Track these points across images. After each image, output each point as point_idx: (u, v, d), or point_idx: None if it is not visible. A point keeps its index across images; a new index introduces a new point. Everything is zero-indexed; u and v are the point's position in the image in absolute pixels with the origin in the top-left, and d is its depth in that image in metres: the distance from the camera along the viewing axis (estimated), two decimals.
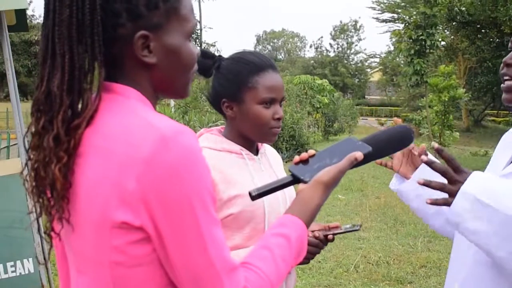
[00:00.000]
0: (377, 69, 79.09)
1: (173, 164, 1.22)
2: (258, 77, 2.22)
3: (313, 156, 1.66)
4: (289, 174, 1.64)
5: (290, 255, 1.47)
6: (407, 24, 13.57)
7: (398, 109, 51.30)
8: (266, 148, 2.48)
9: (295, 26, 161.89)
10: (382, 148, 1.74)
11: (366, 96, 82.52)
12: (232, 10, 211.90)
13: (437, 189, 1.76)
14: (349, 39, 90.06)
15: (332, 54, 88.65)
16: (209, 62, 2.28)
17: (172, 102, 20.06)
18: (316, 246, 2.16)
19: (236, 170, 2.23)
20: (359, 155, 1.59)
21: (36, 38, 34.45)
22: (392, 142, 1.77)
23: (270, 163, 2.40)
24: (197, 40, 22.27)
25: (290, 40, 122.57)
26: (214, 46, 23.53)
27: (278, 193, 2.20)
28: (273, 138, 2.30)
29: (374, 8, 47.54)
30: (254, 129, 2.26)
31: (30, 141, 1.36)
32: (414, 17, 12.85)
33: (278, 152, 11.56)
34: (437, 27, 12.76)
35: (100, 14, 1.30)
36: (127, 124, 1.28)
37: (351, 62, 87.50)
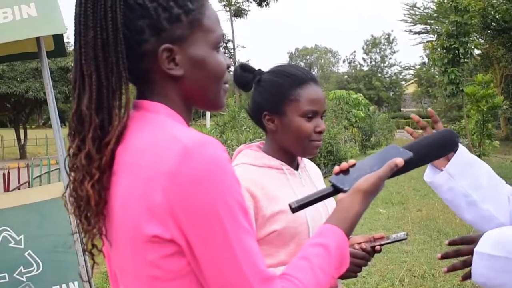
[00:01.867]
0: (411, 81, 78.51)
1: (197, 174, 1.22)
2: (300, 89, 2.21)
3: (353, 165, 1.63)
4: (330, 185, 1.62)
5: (329, 265, 1.44)
6: (439, 34, 13.46)
7: None
8: (306, 163, 2.46)
9: (328, 42, 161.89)
10: (424, 153, 1.71)
11: (401, 109, 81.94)
12: (264, 29, 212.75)
13: (454, 257, 1.80)
14: (382, 52, 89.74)
15: (365, 68, 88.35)
16: (249, 76, 2.29)
17: (208, 122, 20.20)
18: (363, 258, 2.11)
19: (277, 186, 2.21)
20: (399, 161, 1.57)
21: (72, 65, 34.91)
22: (435, 147, 1.75)
23: (311, 178, 2.38)
24: (231, 59, 22.42)
25: (323, 55, 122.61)
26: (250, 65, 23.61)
27: (320, 207, 2.20)
28: (315, 151, 2.28)
29: (406, 21, 47.35)
30: (295, 142, 2.24)
31: (69, 162, 1.39)
32: (446, 26, 12.73)
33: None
34: (470, 35, 12.64)
35: (123, 32, 1.33)
36: (154, 139, 1.31)
37: (385, 75, 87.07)
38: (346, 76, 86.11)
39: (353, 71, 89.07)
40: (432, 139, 1.75)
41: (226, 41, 21.95)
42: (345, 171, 1.63)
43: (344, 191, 1.56)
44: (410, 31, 46.49)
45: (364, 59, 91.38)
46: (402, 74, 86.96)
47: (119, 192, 1.32)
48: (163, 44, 1.37)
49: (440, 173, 2.19)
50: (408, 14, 46.87)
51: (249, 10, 22.02)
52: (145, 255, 1.28)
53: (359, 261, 2.12)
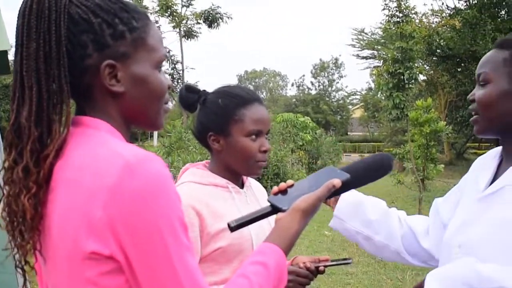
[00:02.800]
0: (358, 105, 79.70)
1: (138, 191, 1.22)
2: (244, 109, 2.25)
3: (291, 186, 1.69)
4: (269, 204, 1.66)
5: (268, 283, 1.46)
6: (385, 59, 13.76)
7: (380, 144, 51.55)
8: (251, 182, 2.48)
9: (277, 66, 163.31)
10: (361, 175, 1.77)
11: (348, 133, 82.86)
12: (215, 51, 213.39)
13: None
14: (330, 77, 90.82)
15: (313, 92, 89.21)
16: (194, 96, 2.32)
17: (155, 142, 20.07)
18: (306, 277, 2.18)
19: (222, 204, 2.23)
20: (337, 182, 1.63)
21: None
22: (371, 170, 1.81)
23: (256, 196, 2.42)
24: (180, 80, 22.38)
25: (272, 79, 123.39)
26: (196, 86, 23.56)
27: (264, 224, 2.20)
28: (259, 171, 2.32)
29: (354, 46, 48.08)
30: (241, 161, 2.28)
31: (4, 176, 1.36)
32: (391, 51, 13.01)
33: None
34: (415, 61, 12.93)
35: (66, 46, 1.33)
36: (95, 155, 1.30)
37: (333, 100, 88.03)
38: (294, 100, 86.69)
39: (301, 94, 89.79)
40: (368, 162, 1.82)
41: (175, 62, 21.87)
42: (284, 191, 1.68)
43: (283, 211, 1.60)
44: (358, 55, 47.24)
45: (312, 83, 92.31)
46: (349, 98, 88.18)
47: (58, 208, 1.30)
48: (105, 60, 1.37)
49: (332, 220, 2.41)
50: (356, 39, 47.63)
51: (200, 33, 22.09)
52: (83, 272, 1.26)
53: (302, 280, 2.18)
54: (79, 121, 1.41)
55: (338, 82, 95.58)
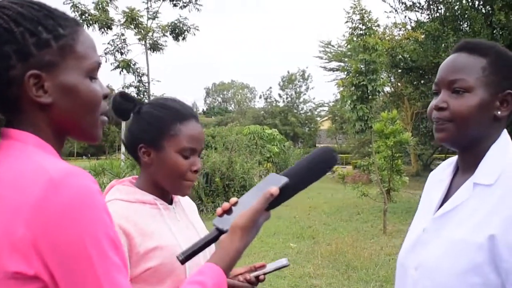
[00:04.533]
0: (326, 117, 79.94)
1: (63, 207, 1.17)
2: (181, 125, 2.17)
3: (236, 203, 1.63)
4: (214, 228, 1.61)
5: None
6: (348, 71, 13.83)
7: (348, 156, 51.82)
8: (180, 197, 2.39)
9: (244, 78, 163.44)
10: (305, 175, 1.67)
11: (317, 144, 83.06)
12: (182, 63, 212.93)
13: None
14: (298, 89, 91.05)
15: (281, 104, 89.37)
16: (129, 105, 2.20)
17: (122, 155, 19.86)
18: None
19: (151, 221, 2.14)
20: (274, 190, 1.56)
21: None
22: (314, 167, 1.70)
23: (185, 212, 2.34)
24: (145, 93, 22.17)
25: (240, 91, 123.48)
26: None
27: (192, 236, 2.17)
28: (187, 191, 2.23)
29: (321, 58, 48.41)
30: (169, 178, 2.19)
31: None
32: (355, 63, 13.07)
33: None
34: (378, 73, 12.99)
35: None
36: (19, 169, 1.25)
37: (301, 112, 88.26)
38: (262, 112, 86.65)
39: (269, 106, 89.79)
40: (309, 160, 1.70)
41: (141, 75, 21.69)
42: (228, 211, 1.62)
43: (225, 232, 1.56)
44: (325, 68, 47.54)
45: (280, 95, 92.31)
46: (317, 110, 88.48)
47: None
48: (30, 70, 1.31)
49: None
50: (323, 51, 47.98)
51: (165, 46, 21.95)
52: None
53: None
54: (6, 134, 1.35)
55: (305, 94, 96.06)
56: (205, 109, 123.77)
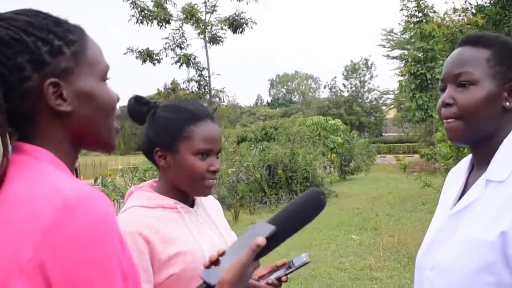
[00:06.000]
0: (392, 106, 79.04)
1: (75, 234, 1.14)
2: (194, 126, 2.14)
3: (223, 254, 1.59)
4: (202, 281, 1.57)
5: None
6: (406, 60, 13.58)
7: (415, 145, 51.10)
8: (202, 198, 2.35)
9: (308, 68, 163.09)
10: (293, 221, 1.64)
11: (383, 134, 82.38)
12: (243, 57, 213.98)
13: None
14: (362, 78, 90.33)
15: (346, 94, 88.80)
16: (144, 108, 2.19)
17: None
18: None
19: (173, 227, 2.13)
20: (261, 240, 1.53)
21: None
22: (302, 212, 1.65)
23: (208, 213, 2.30)
24: (206, 87, 22.42)
25: (304, 81, 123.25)
26: (223, 92, 23.65)
27: (214, 238, 2.17)
28: (208, 192, 2.21)
29: (384, 46, 47.83)
30: (187, 181, 2.16)
31: None
32: (412, 52, 12.83)
33: (293, 195, 11.46)
34: (437, 60, 12.71)
35: (1, 71, 1.24)
36: (33, 189, 1.21)
37: (366, 101, 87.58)
38: (327, 102, 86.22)
39: (334, 96, 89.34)
40: (297, 203, 1.67)
41: (201, 69, 21.96)
42: (216, 262, 1.58)
43: (213, 287, 1.52)
44: (388, 56, 46.96)
45: (344, 85, 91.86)
46: (382, 99, 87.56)
47: None
48: (47, 79, 1.28)
49: None
50: (385, 39, 47.40)
51: (225, 38, 22.21)
52: None
53: None
54: (20, 148, 1.31)
55: (369, 83, 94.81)
56: (269, 101, 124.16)
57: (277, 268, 2.06)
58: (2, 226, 1.19)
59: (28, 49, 1.27)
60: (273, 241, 1.57)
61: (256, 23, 21.86)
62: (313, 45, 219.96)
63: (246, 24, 21.76)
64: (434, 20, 13.30)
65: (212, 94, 22.94)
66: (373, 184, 21.40)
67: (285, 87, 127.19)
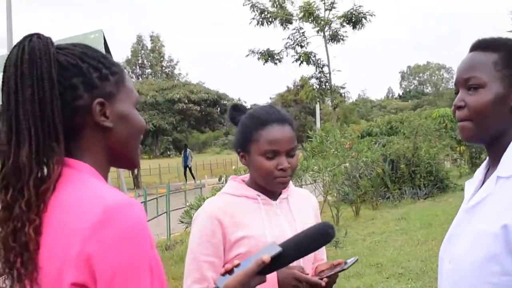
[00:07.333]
0: None
1: (116, 234, 1.39)
2: (261, 131, 2.44)
3: (238, 265, 1.85)
4: (215, 286, 1.84)
5: None
6: None
7: None
8: (294, 193, 2.66)
9: (441, 58, 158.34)
10: (300, 248, 1.91)
11: None
12: (373, 49, 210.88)
13: None
14: None
15: None
16: (237, 114, 2.60)
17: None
18: (315, 286, 2.28)
19: (248, 214, 2.47)
20: (266, 257, 1.80)
21: (178, 96, 36.28)
22: (310, 242, 1.93)
23: (291, 208, 2.58)
24: (327, 83, 22.53)
25: (436, 72, 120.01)
26: (343, 88, 23.63)
27: (287, 230, 2.45)
28: (281, 186, 2.51)
29: None
30: (260, 178, 2.48)
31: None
32: None
33: (417, 189, 11.24)
34: None
35: (58, 90, 1.50)
36: (79, 196, 1.46)
37: None
38: None
39: None
40: (307, 233, 1.95)
41: (321, 66, 22.15)
42: (230, 271, 1.84)
43: None
44: None
45: None
46: None
47: (44, 242, 1.45)
48: (96, 99, 1.55)
49: None
50: None
51: (346, 36, 22.27)
52: None
53: None
54: (67, 163, 1.53)
55: None
56: (400, 93, 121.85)
57: (334, 266, 2.38)
58: (55, 228, 1.45)
59: (82, 73, 1.55)
60: (278, 261, 1.84)
61: (374, 15, 21.69)
62: (446, 32, 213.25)
63: (365, 18, 21.65)
64: None
65: (333, 89, 23.16)
66: None
67: (417, 78, 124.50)
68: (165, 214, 14.71)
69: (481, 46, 2.01)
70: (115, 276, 1.38)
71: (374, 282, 8.41)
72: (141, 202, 15.96)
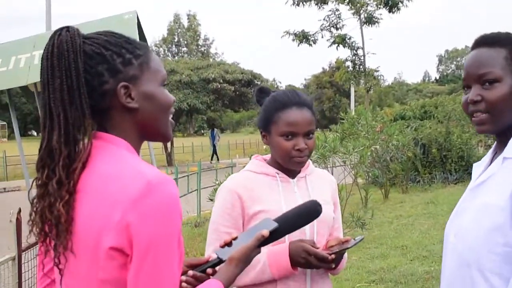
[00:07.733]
0: None
1: (154, 207, 1.56)
2: (281, 113, 2.62)
3: (236, 238, 2.05)
4: (215, 256, 2.03)
5: None
6: None
7: None
8: (312, 172, 2.83)
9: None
10: (292, 223, 2.15)
11: None
12: (411, 32, 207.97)
13: None
14: None
15: None
16: (263, 96, 2.76)
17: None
18: (323, 260, 2.47)
19: (266, 190, 2.65)
20: (265, 232, 2.01)
21: (213, 76, 36.38)
22: (300, 217, 2.18)
23: (308, 186, 2.74)
24: (361, 66, 22.47)
25: None
26: (377, 71, 23.48)
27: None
28: (299, 165, 2.69)
29: None
30: (279, 157, 2.66)
31: (37, 192, 1.68)
32: None
33: (447, 174, 11.15)
34: None
35: (85, 77, 1.66)
36: (119, 170, 1.63)
37: None
38: None
39: None
40: (297, 210, 2.19)
41: (356, 49, 22.10)
42: (229, 244, 2.05)
43: (224, 261, 1.99)
44: None
45: None
46: None
47: (83, 211, 1.61)
48: (120, 83, 1.70)
49: None
50: None
51: (381, 19, 22.14)
52: (103, 265, 1.60)
53: (320, 264, 2.48)
54: (100, 136, 1.70)
55: None
56: (437, 77, 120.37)
57: (342, 243, 2.57)
58: (96, 197, 1.61)
59: (106, 60, 1.70)
60: (274, 235, 2.05)
61: (412, 0, 21.51)
62: (485, 17, 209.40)
63: (401, 1, 21.51)
64: None
65: (366, 72, 23.22)
66: None
67: (454, 62, 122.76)
68: (196, 191, 14.97)
69: (487, 42, 2.12)
70: (150, 244, 1.55)
71: (398, 264, 8.48)
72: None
